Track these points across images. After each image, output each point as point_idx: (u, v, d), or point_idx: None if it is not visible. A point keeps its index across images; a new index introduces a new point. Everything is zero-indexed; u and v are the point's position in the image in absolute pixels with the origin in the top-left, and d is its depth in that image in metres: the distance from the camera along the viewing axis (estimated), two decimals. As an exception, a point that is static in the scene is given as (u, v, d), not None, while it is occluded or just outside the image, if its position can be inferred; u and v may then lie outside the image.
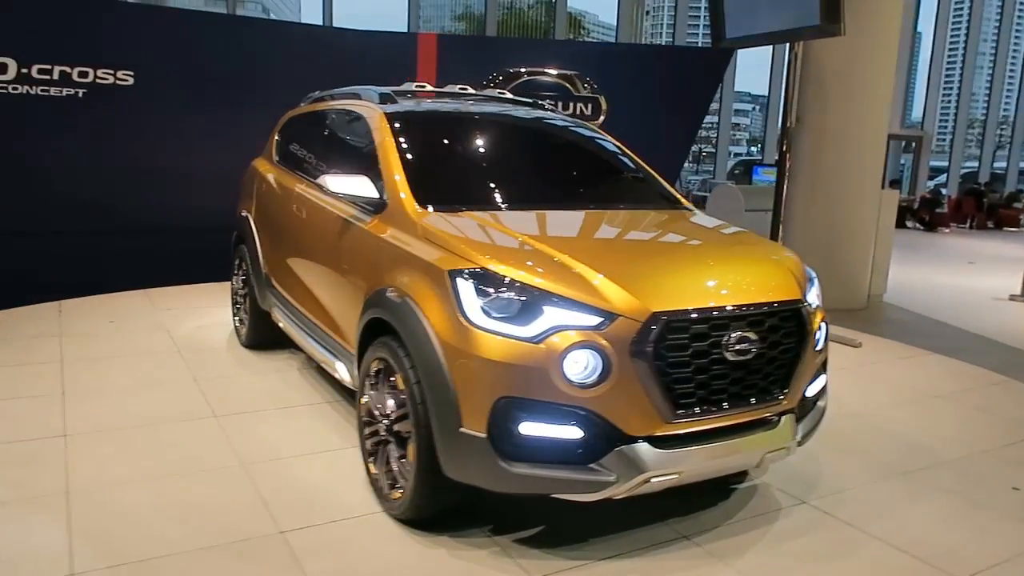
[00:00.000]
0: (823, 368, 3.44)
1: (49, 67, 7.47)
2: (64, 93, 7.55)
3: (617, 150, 4.49)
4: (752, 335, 2.88)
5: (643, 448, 2.75)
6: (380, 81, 7.82)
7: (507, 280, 2.79)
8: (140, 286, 7.18)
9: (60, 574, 2.67)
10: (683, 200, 4.24)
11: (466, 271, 2.86)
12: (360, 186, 3.55)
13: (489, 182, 3.82)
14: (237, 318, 5.58)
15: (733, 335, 2.84)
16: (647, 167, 4.40)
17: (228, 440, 3.86)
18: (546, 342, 2.67)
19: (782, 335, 3.01)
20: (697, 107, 9.27)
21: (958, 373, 5.75)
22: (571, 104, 9.20)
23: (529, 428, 2.70)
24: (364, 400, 3.35)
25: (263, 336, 5.17)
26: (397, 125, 3.85)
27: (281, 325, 4.71)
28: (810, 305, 3.21)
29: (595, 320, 2.70)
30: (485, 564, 2.87)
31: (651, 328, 2.70)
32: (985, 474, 3.91)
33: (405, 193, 3.45)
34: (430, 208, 3.37)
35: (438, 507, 3.03)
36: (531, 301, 2.73)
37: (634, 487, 2.77)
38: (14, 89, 7.34)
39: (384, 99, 4.19)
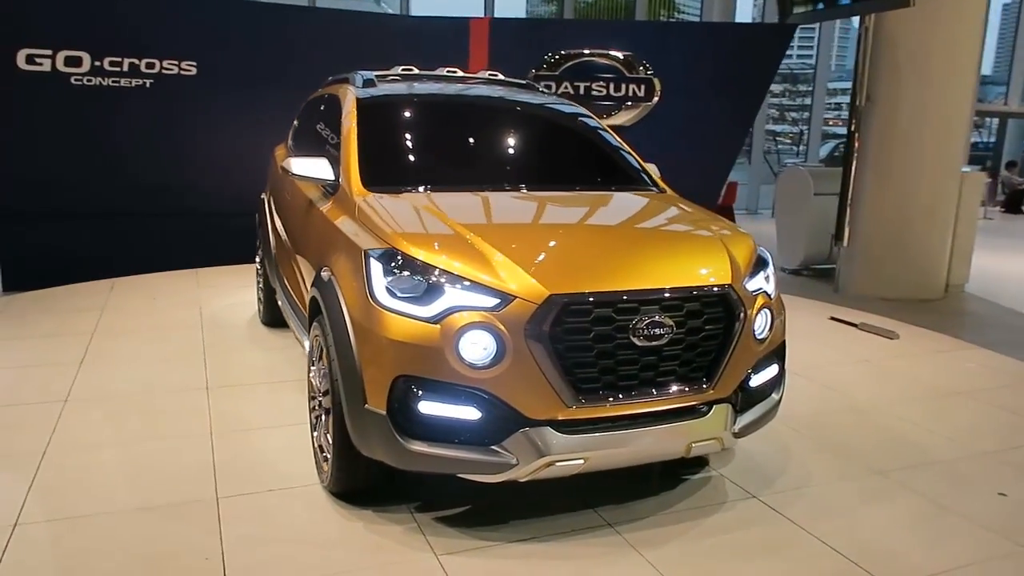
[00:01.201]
0: (775, 358, 3.28)
1: (120, 59, 7.99)
2: (133, 84, 8.06)
3: (595, 131, 4.40)
4: (666, 320, 2.79)
5: (545, 432, 2.73)
6: (430, 64, 8.00)
7: (413, 261, 2.82)
8: (200, 266, 7.63)
9: (6, 523, 2.91)
10: (659, 182, 4.12)
11: (378, 250, 2.91)
12: (319, 169, 3.66)
13: (443, 164, 3.85)
14: (257, 296, 5.85)
15: (642, 320, 2.76)
16: (627, 148, 4.29)
17: (209, 410, 4.08)
18: (443, 322, 2.69)
19: (704, 321, 2.90)
20: (756, 88, 8.90)
21: (997, 369, 5.33)
22: (624, 85, 9.04)
23: (428, 407, 2.73)
24: (310, 375, 3.47)
25: (275, 314, 5.39)
26: (364, 109, 3.92)
27: (279, 303, 4.91)
28: (749, 290, 3.07)
29: (492, 301, 2.70)
30: (396, 539, 2.93)
31: (547, 310, 2.67)
32: (974, 477, 3.63)
33: (354, 175, 3.53)
34: (371, 189, 3.44)
35: (358, 481, 3.10)
36: (434, 282, 2.75)
37: (536, 471, 2.75)
38: (88, 81, 7.90)
39: (367, 83, 4.27)
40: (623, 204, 3.75)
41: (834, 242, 8.89)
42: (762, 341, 3.13)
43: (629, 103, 9.07)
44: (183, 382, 4.47)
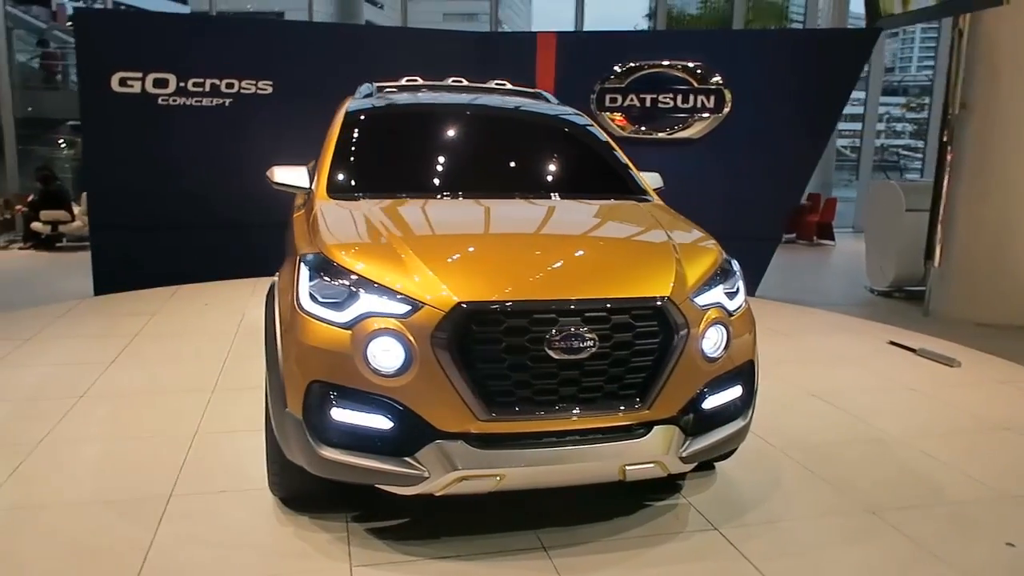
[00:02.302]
0: (737, 379, 3.03)
1: (202, 80, 8.51)
2: (214, 103, 8.56)
3: (588, 140, 4.27)
4: (587, 333, 2.64)
5: (455, 446, 2.63)
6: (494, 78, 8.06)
7: (337, 267, 2.80)
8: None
9: (-29, 508, 3.11)
10: (648, 190, 3.93)
11: (309, 256, 2.91)
12: (297, 177, 3.72)
13: (417, 172, 3.82)
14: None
15: (559, 332, 2.62)
16: (620, 156, 4.12)
17: (203, 412, 4.22)
18: (355, 328, 2.66)
19: (635, 335, 2.72)
20: (835, 97, 8.35)
21: (1067, 405, 4.72)
22: (693, 97, 8.74)
23: (340, 414, 2.69)
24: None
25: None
26: (350, 119, 3.97)
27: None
28: (699, 305, 2.86)
29: (403, 308, 2.64)
30: (319, 547, 2.90)
31: (454, 318, 2.58)
32: (985, 523, 3.21)
33: (322, 182, 3.57)
34: (336, 196, 3.46)
35: (293, 486, 3.09)
36: (352, 288, 2.72)
37: (447, 485, 2.65)
38: (173, 101, 8.45)
39: (368, 95, 4.33)
40: (586, 213, 3.60)
41: (925, 262, 8.23)
42: (713, 360, 2.90)
43: (698, 115, 8.75)
44: (193, 384, 4.65)
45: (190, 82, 8.47)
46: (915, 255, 8.74)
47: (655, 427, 2.80)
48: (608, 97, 8.93)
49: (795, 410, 4.52)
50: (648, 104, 8.87)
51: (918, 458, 3.84)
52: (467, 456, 2.64)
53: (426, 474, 2.65)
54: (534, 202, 3.60)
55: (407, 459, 2.66)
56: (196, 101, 8.49)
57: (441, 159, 3.99)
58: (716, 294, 2.97)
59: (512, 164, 4.03)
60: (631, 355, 2.73)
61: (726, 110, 8.64)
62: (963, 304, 7.80)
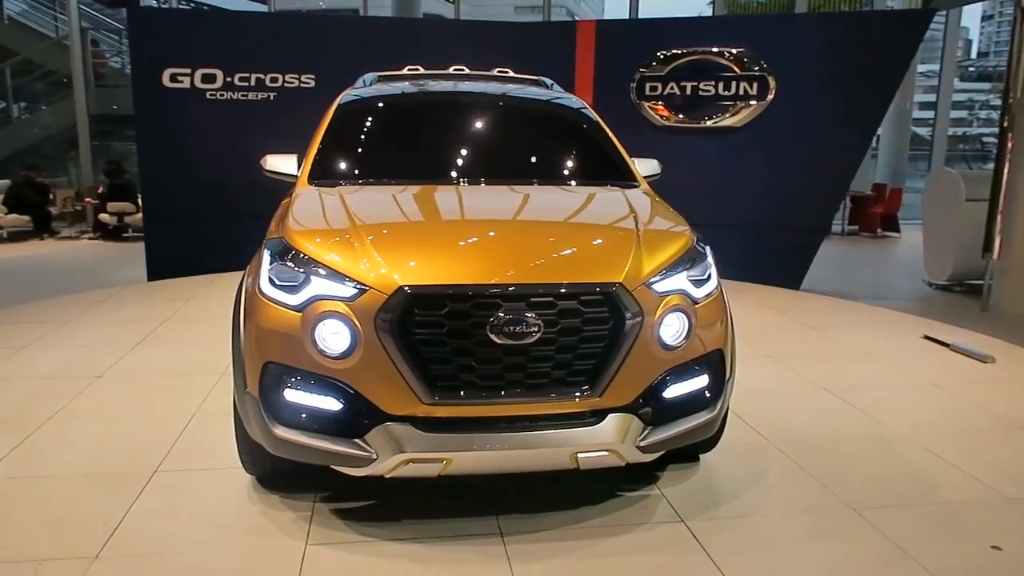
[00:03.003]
0: (704, 368, 2.95)
1: (248, 75, 8.77)
2: (259, 96, 8.81)
3: (579, 126, 4.21)
4: (531, 318, 2.61)
5: (402, 428, 2.66)
6: (538, 71, 8.08)
7: (294, 250, 2.85)
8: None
9: (-27, 477, 3.31)
10: (636, 176, 3.86)
11: (272, 240, 2.98)
12: (286, 165, 3.80)
13: (395, 158, 3.84)
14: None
15: (502, 317, 2.60)
16: (612, 141, 4.05)
17: (209, 394, 4.36)
18: (305, 311, 2.70)
19: (584, 321, 2.68)
20: (885, 82, 7.98)
21: (1104, 406, 4.41)
22: (735, 84, 8.51)
23: (292, 395, 2.74)
24: None
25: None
26: (342, 108, 4.03)
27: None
28: (658, 291, 2.79)
29: (350, 291, 2.66)
30: (280, 525, 2.97)
31: (397, 302, 2.59)
32: (975, 525, 3.03)
33: (305, 169, 3.64)
34: (316, 183, 3.52)
35: (262, 465, 3.16)
36: (305, 271, 2.77)
37: (394, 467, 2.67)
38: (221, 95, 8.74)
39: (371, 82, 4.39)
40: (559, 199, 3.55)
41: (983, 254, 7.81)
42: (673, 348, 2.83)
43: (740, 102, 8.51)
44: (206, 367, 4.81)
45: (236, 77, 8.74)
46: (975, 247, 8.31)
47: (609, 415, 2.76)
48: (648, 85, 8.78)
49: (799, 404, 4.37)
50: (689, 92, 8.69)
51: (920, 456, 3.66)
52: (413, 439, 2.65)
53: (374, 456, 2.67)
54: (510, 188, 3.58)
55: (356, 440, 2.69)
56: (242, 95, 8.76)
57: (424, 146, 4.00)
58: (678, 280, 2.89)
59: (495, 150, 4.01)
60: (580, 341, 2.68)
61: (770, 97, 8.38)
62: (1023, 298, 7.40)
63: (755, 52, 8.40)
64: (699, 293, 2.96)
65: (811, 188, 8.25)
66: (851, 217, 13.77)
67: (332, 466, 2.82)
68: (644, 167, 4.03)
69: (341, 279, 2.69)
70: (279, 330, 2.75)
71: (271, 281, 2.83)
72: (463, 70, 4.82)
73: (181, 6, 15.56)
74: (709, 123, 8.66)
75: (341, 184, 3.50)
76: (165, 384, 4.53)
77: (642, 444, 2.81)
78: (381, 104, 4.25)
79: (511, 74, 4.82)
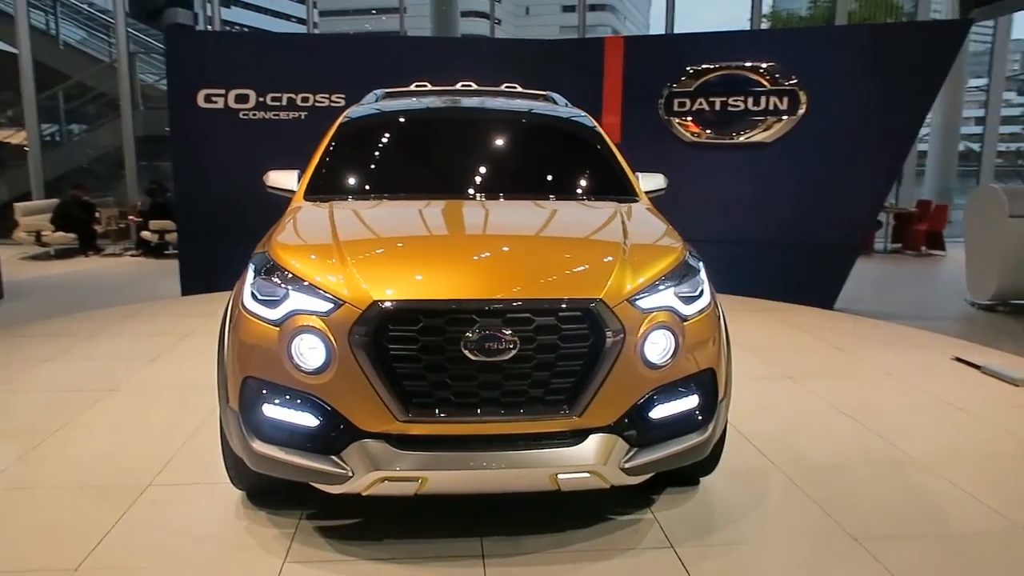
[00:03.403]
0: (693, 388, 2.85)
1: (280, 95, 8.94)
2: (291, 116, 8.96)
3: (581, 140, 4.17)
4: (506, 334, 2.56)
5: (377, 446, 2.62)
6: (566, 88, 8.11)
7: (275, 266, 2.85)
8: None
9: (-25, 487, 3.37)
10: (637, 191, 3.79)
11: (257, 255, 2.99)
12: (287, 181, 3.83)
13: (392, 174, 3.84)
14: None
15: (476, 333, 2.55)
16: (614, 156, 3.98)
17: (214, 408, 4.35)
18: (283, 325, 2.70)
19: (562, 338, 2.61)
20: (922, 96, 7.75)
21: None
22: (764, 98, 8.36)
23: (271, 410, 2.73)
24: None
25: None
26: (342, 125, 4.06)
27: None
28: (642, 308, 2.71)
29: (326, 306, 2.65)
30: (261, 542, 2.95)
31: (370, 316, 2.57)
32: (984, 558, 2.86)
33: (302, 185, 3.66)
34: (311, 199, 3.53)
35: (247, 481, 3.15)
36: (285, 286, 2.76)
37: (370, 485, 2.64)
38: (253, 115, 8.92)
39: (377, 99, 4.42)
40: (549, 214, 3.49)
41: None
42: (658, 367, 2.74)
43: (770, 117, 8.36)
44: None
45: (268, 97, 8.92)
46: (1019, 265, 8.02)
47: (590, 435, 2.68)
48: (676, 101, 8.69)
49: (813, 426, 4.21)
50: (718, 107, 8.57)
51: (934, 483, 3.48)
52: (389, 457, 2.61)
53: (350, 473, 2.64)
54: (501, 203, 3.53)
55: (332, 457, 2.66)
56: (274, 115, 8.92)
57: (421, 161, 4.00)
58: (665, 297, 2.81)
59: (492, 166, 3.98)
60: (558, 359, 2.62)
61: (801, 112, 8.21)
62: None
63: (786, 66, 8.25)
64: (689, 310, 2.87)
65: (844, 205, 8.03)
66: (895, 235, 13.40)
67: (311, 483, 2.79)
68: (648, 182, 3.95)
69: (318, 294, 2.68)
70: (258, 345, 2.74)
71: (253, 296, 2.84)
72: (471, 85, 4.82)
73: (224, 28, 15.97)
74: (739, 139, 8.52)
75: (335, 199, 3.51)
76: (175, 397, 4.58)
77: (627, 466, 2.72)
78: (380, 120, 4.27)
79: (519, 89, 4.80)
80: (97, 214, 12.78)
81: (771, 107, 8.36)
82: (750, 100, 8.45)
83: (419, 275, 2.73)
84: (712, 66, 8.54)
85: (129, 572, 2.74)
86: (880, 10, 19.33)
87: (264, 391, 2.74)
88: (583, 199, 3.66)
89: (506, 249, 3.02)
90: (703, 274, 3.04)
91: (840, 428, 4.19)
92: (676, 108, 8.69)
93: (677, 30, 12.99)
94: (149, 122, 15.17)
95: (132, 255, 12.41)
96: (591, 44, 9.26)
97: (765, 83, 8.38)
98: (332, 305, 2.64)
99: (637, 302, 2.73)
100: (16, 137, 14.89)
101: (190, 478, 3.50)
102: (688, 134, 8.70)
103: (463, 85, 4.83)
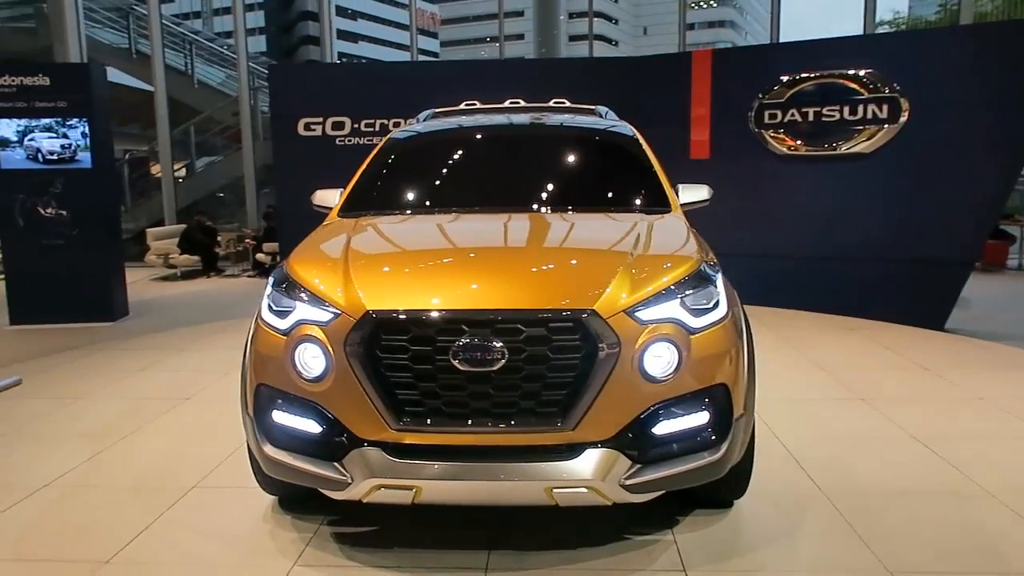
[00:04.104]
0: (701, 405, 2.72)
1: (373, 121, 9.33)
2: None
3: (616, 152, 4.11)
4: (495, 345, 2.54)
5: (374, 453, 2.66)
6: (652, 107, 8.04)
7: (289, 278, 2.96)
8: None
9: (35, 485, 3.65)
10: (671, 202, 3.67)
11: (277, 268, 3.11)
12: (330, 198, 3.98)
13: (426, 190, 3.90)
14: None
15: (464, 342, 2.54)
16: (652, 167, 3.88)
17: (274, 417, 4.57)
18: (290, 335, 2.79)
19: (552, 349, 2.56)
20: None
21: None
22: (862, 107, 7.92)
23: (280, 416, 2.83)
24: None
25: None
26: (387, 143, 4.17)
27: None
28: (643, 319, 2.62)
29: (327, 316, 2.72)
30: (278, 545, 3.03)
31: (364, 326, 2.61)
32: (1038, 603, 2.56)
33: (340, 202, 3.78)
34: (345, 215, 3.65)
35: (273, 484, 3.25)
36: (294, 297, 2.86)
37: (367, 493, 2.67)
38: (349, 141, 9.35)
39: (425, 119, 4.53)
40: (567, 226, 3.44)
41: None
42: (659, 381, 2.63)
43: (869, 127, 7.90)
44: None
45: (362, 123, 9.32)
46: None
47: (588, 450, 2.61)
48: (767, 113, 8.38)
49: (877, 453, 3.90)
50: (811, 118, 8.19)
51: (1002, 520, 3.15)
52: (384, 465, 2.64)
53: (350, 480, 2.68)
54: (524, 217, 3.51)
55: (335, 464, 2.71)
56: (368, 140, 9.28)
57: (453, 177, 4.04)
58: (670, 308, 2.70)
59: (522, 180, 3.96)
60: (549, 370, 2.57)
61: (903, 120, 7.72)
62: None
63: (885, 72, 7.79)
64: (698, 322, 2.74)
65: (951, 217, 7.44)
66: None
67: (313, 487, 2.85)
68: (689, 194, 3.82)
69: (321, 304, 2.76)
70: (270, 354, 2.85)
71: (269, 307, 2.95)
72: (519, 102, 4.84)
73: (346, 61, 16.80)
74: (835, 150, 8.10)
75: (365, 216, 3.60)
76: (239, 407, 4.79)
77: (628, 483, 2.62)
78: (416, 140, 4.36)
79: (567, 104, 4.78)
80: (219, 238, 13.67)
81: (870, 116, 7.91)
82: (846, 109, 8.02)
83: (414, 286, 2.76)
84: (805, 75, 8.18)
85: (151, 567, 2.89)
86: (1020, 8, 17.91)
87: (274, 398, 2.84)
88: (611, 211, 3.59)
89: (508, 261, 3.00)
90: (719, 285, 2.90)
91: (908, 455, 3.87)
92: (767, 120, 8.38)
93: (779, 38, 12.55)
94: (269, 152, 16.16)
95: (249, 276, 13.17)
96: (677, 59, 9.09)
97: (863, 91, 7.94)
98: (332, 315, 2.71)
99: (636, 314, 2.64)
100: (156, 169, 16.20)
101: (232, 482, 3.66)
102: (780, 147, 8.36)
103: (511, 102, 4.86)
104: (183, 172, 17.14)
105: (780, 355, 6.00)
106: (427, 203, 3.72)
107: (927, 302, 7.54)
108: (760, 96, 8.39)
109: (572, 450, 2.61)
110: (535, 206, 3.62)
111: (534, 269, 2.90)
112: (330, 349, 2.67)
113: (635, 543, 3.01)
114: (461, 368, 2.56)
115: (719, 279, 2.92)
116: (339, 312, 2.69)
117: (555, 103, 4.84)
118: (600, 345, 2.56)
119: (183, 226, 13.60)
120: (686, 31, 15.36)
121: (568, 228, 3.41)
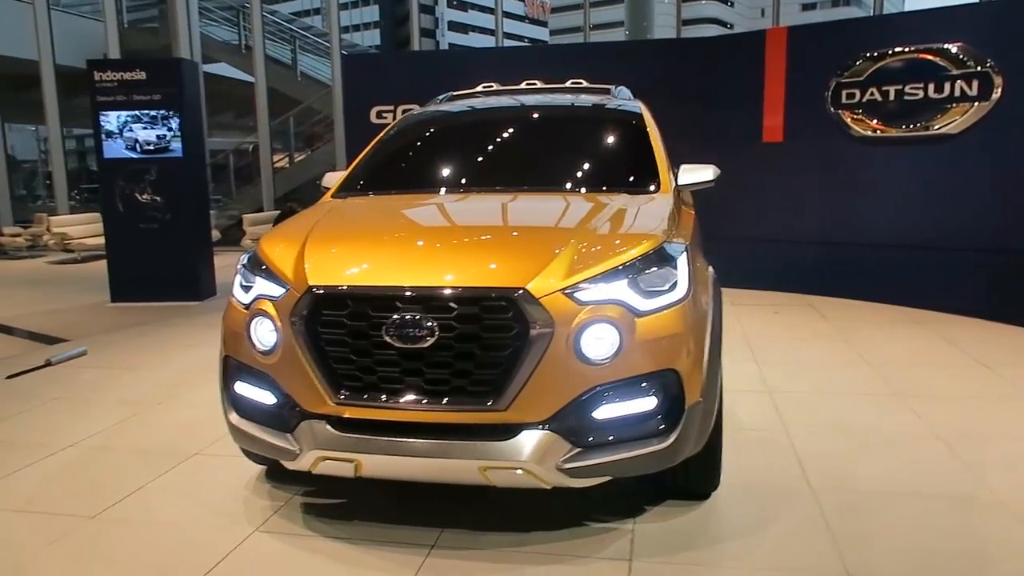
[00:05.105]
0: (650, 389, 2.62)
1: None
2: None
3: (617, 132, 4.02)
4: (425, 321, 2.54)
5: (318, 426, 2.72)
6: (723, 89, 7.85)
7: (256, 256, 3.05)
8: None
9: (67, 443, 3.95)
10: (664, 183, 3.52)
11: (252, 247, 3.22)
12: (333, 180, 4.07)
13: (421, 171, 3.92)
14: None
15: (397, 319, 2.56)
16: (652, 147, 3.74)
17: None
18: (249, 309, 2.90)
19: (483, 328, 2.54)
20: None
21: None
22: (949, 84, 7.33)
23: (241, 387, 2.95)
24: None
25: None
26: (400, 125, 4.24)
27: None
28: (581, 300, 2.56)
29: (279, 291, 2.80)
30: (248, 512, 3.15)
31: (306, 301, 2.68)
32: (1005, 618, 2.33)
33: (337, 183, 3.87)
34: (340, 195, 3.74)
35: (253, 454, 3.38)
36: (256, 273, 2.96)
37: (313, 464, 2.74)
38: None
39: (442, 101, 4.57)
40: (537, 205, 3.38)
41: None
42: (597, 363, 2.56)
43: (957, 105, 7.31)
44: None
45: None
46: None
47: (524, 431, 2.57)
48: (845, 93, 7.91)
49: (886, 451, 3.65)
50: (892, 97, 7.66)
51: (1001, 527, 2.88)
52: (327, 438, 2.70)
53: (298, 451, 2.76)
54: (503, 197, 3.47)
55: (288, 434, 2.80)
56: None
57: (446, 158, 4.03)
58: (616, 289, 2.61)
59: (511, 161, 3.92)
60: (480, 349, 2.55)
61: (995, 97, 7.09)
62: None
63: (977, 46, 7.17)
64: (647, 304, 2.64)
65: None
66: None
67: (271, 456, 2.94)
68: (688, 175, 3.67)
69: (275, 280, 2.84)
70: (234, 327, 2.97)
71: (239, 284, 3.07)
72: (535, 84, 4.79)
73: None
74: (917, 131, 7.54)
75: (354, 196, 3.67)
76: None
77: (567, 467, 2.57)
78: (417, 123, 4.39)
79: (583, 84, 4.69)
80: (309, 223, 14.29)
81: (957, 93, 7.31)
82: (931, 87, 7.44)
83: (357, 263, 2.80)
84: (888, 51, 7.65)
85: (126, 524, 3.08)
86: None
87: (237, 369, 2.96)
88: (591, 191, 3.50)
89: (454, 240, 2.98)
90: (681, 266, 2.77)
91: (923, 455, 3.59)
92: (844, 100, 7.90)
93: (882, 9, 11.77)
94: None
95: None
96: (751, 38, 8.70)
97: (950, 67, 7.34)
98: (283, 290, 2.78)
99: (576, 294, 2.57)
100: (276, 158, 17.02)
101: (232, 451, 3.74)
102: (859, 128, 7.87)
103: (528, 83, 4.81)
104: (285, 162, 17.96)
105: (827, 347, 5.68)
106: (413, 184, 3.75)
107: (1014, 296, 6.93)
108: (838, 74, 7.92)
109: (508, 431, 2.58)
110: (515, 187, 3.58)
111: (477, 248, 2.87)
112: (279, 323, 2.75)
113: (591, 530, 2.95)
114: (395, 344, 2.58)
115: (682, 260, 2.80)
116: (288, 287, 2.76)
117: (572, 84, 4.75)
118: (532, 325, 2.51)
119: (277, 212, 14.27)
120: (808, 11, 14.67)
121: (534, 208, 3.35)
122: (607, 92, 4.53)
